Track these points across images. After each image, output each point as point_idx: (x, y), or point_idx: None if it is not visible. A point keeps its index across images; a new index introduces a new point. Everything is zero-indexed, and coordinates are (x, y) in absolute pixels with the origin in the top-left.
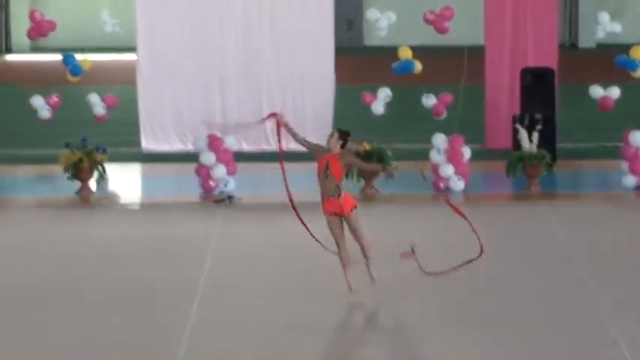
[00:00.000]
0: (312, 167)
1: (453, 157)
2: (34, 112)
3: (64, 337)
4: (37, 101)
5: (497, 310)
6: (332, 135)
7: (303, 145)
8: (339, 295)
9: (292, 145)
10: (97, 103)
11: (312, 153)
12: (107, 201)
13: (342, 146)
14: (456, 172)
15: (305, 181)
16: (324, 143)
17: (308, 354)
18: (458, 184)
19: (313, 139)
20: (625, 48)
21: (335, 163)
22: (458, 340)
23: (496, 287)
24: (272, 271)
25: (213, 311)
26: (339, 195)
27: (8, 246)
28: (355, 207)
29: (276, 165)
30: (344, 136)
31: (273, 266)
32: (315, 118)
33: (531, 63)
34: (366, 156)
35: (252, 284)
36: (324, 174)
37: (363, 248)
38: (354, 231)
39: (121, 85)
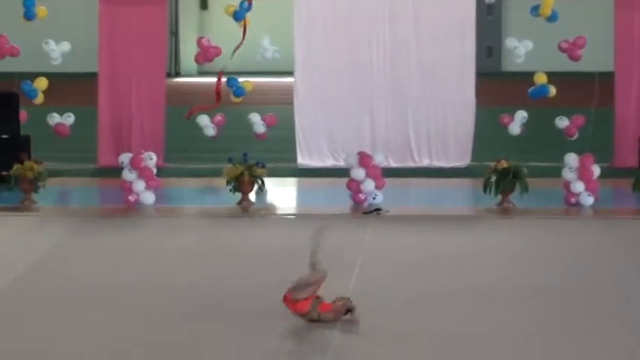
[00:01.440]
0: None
1: (583, 174)
2: (200, 130)
3: (219, 336)
4: (203, 120)
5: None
6: (341, 299)
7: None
8: (494, 301)
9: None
10: (257, 122)
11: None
12: (265, 211)
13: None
14: (586, 189)
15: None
16: None
17: None
18: (588, 200)
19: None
20: None
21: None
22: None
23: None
24: (417, 280)
25: (357, 324)
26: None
27: (178, 249)
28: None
29: (421, 179)
30: (347, 311)
31: (417, 276)
32: (456, 137)
33: None
34: (504, 173)
35: (395, 293)
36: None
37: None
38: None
39: (280, 105)
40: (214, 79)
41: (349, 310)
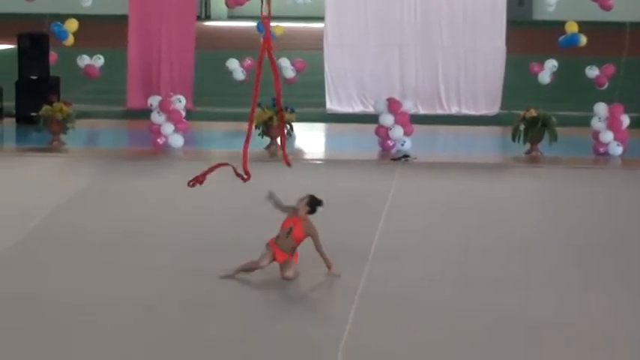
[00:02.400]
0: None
1: (612, 124)
2: (229, 73)
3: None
4: (233, 64)
5: None
6: (302, 199)
7: (279, 207)
8: (521, 249)
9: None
10: (287, 67)
11: (285, 212)
12: (294, 156)
13: (310, 212)
14: (615, 139)
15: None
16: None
17: (486, 306)
18: (616, 150)
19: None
20: None
21: (299, 229)
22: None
23: None
24: (444, 227)
25: (385, 267)
26: (292, 254)
27: (205, 192)
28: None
29: (449, 127)
30: (314, 204)
31: (444, 222)
32: (486, 85)
33: None
34: (533, 122)
35: (424, 240)
36: (286, 233)
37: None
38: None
39: (309, 51)
40: (245, 24)
41: (313, 204)
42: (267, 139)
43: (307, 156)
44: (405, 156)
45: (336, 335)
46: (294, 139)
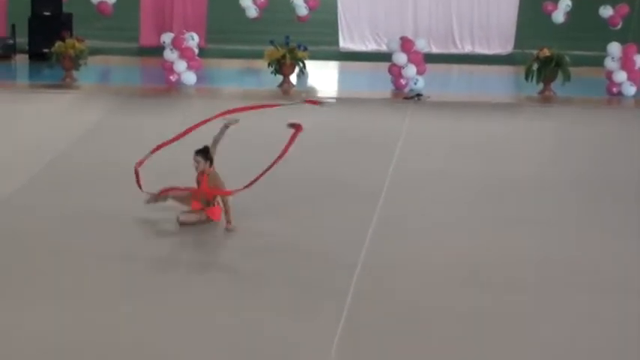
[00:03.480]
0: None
1: (626, 64)
2: (242, 11)
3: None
4: (246, 1)
5: None
6: (194, 160)
7: (215, 141)
8: (532, 188)
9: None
10: (300, 4)
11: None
12: (306, 94)
13: (210, 161)
14: (629, 79)
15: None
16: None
17: (514, 247)
18: (629, 90)
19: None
20: None
21: (204, 183)
22: None
23: None
24: (456, 167)
25: (397, 206)
26: (207, 207)
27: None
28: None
29: (462, 66)
30: (204, 155)
31: (456, 161)
32: (499, 26)
33: None
34: (546, 62)
35: (436, 179)
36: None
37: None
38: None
39: None
40: None
41: (207, 157)
42: (279, 77)
43: (320, 94)
44: (418, 95)
45: (347, 280)
46: (306, 77)
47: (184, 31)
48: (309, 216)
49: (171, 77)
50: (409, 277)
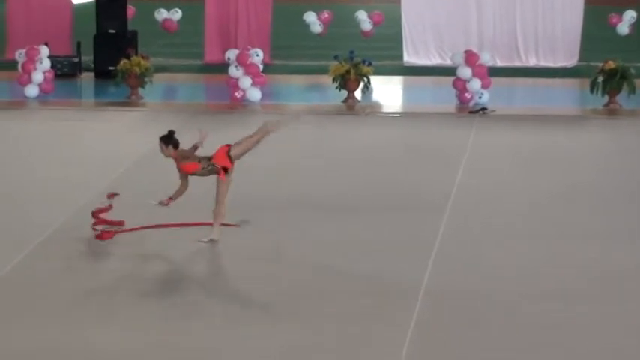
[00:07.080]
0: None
1: None
2: (306, 26)
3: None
4: (310, 17)
5: None
6: (160, 148)
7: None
8: (598, 201)
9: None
10: (364, 19)
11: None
12: (371, 109)
13: (175, 146)
14: None
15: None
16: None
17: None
18: None
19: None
20: None
21: (177, 165)
22: None
23: None
24: (522, 180)
25: (462, 220)
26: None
27: (283, 144)
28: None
29: (527, 79)
30: (166, 141)
31: (522, 175)
32: (564, 39)
33: None
34: (611, 74)
35: (502, 193)
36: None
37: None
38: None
39: (387, 3)
40: None
41: (170, 142)
42: (344, 93)
43: (384, 109)
44: (483, 108)
45: (418, 278)
46: (371, 92)
47: (249, 47)
48: (373, 229)
49: (236, 94)
50: (473, 287)
